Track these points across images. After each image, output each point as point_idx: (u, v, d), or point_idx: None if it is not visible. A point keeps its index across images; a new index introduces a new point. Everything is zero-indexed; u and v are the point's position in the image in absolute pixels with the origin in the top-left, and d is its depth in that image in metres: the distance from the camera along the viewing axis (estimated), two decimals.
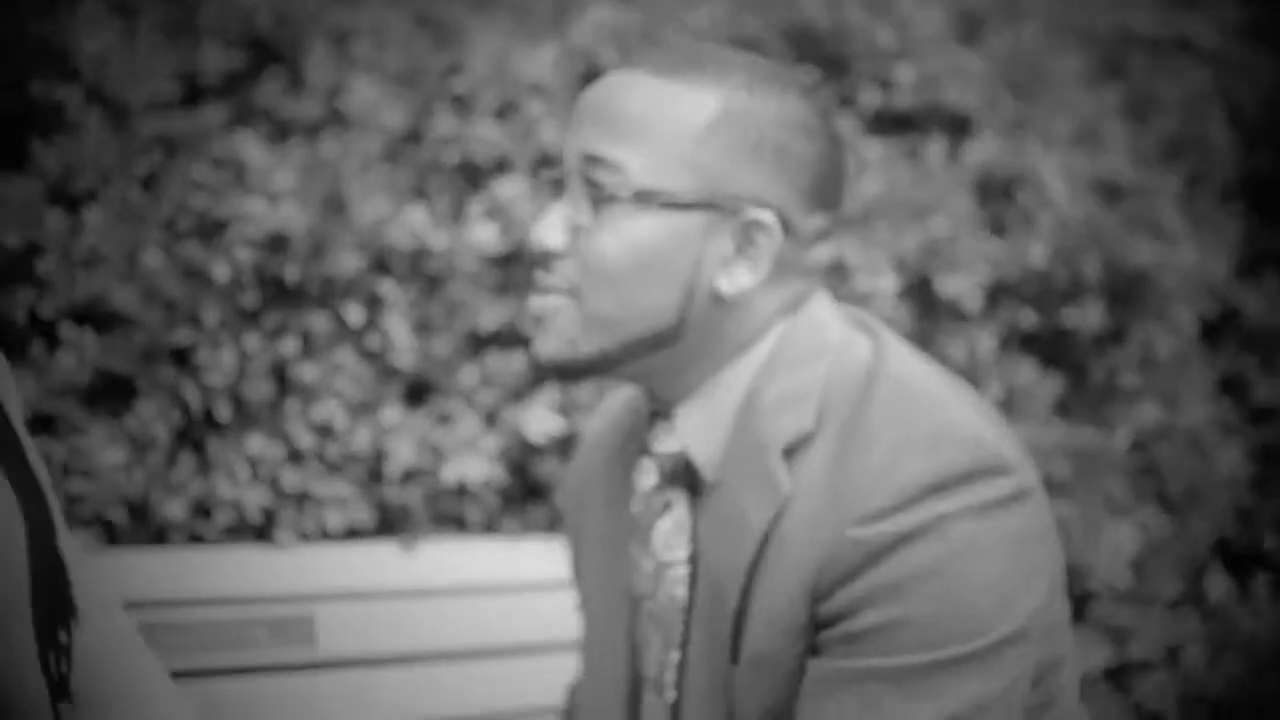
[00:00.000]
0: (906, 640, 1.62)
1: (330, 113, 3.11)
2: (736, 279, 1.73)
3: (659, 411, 1.82)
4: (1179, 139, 4.11)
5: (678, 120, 1.71)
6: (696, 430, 1.77)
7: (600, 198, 1.71)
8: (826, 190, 1.77)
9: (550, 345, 1.76)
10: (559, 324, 1.75)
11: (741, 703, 1.72)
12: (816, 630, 1.67)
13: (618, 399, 1.99)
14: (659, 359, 1.75)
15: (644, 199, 1.70)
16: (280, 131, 3.09)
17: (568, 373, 1.76)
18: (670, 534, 1.80)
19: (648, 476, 1.83)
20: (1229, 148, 4.13)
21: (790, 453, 1.70)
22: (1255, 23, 4.44)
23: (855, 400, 1.70)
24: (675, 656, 1.80)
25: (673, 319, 1.73)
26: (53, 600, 1.60)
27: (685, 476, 1.80)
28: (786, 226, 1.74)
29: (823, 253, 1.82)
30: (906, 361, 1.75)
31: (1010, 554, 1.63)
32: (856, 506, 1.63)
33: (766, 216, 1.72)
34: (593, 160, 1.72)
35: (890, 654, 1.62)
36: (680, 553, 1.80)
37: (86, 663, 1.66)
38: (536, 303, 1.76)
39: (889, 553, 1.62)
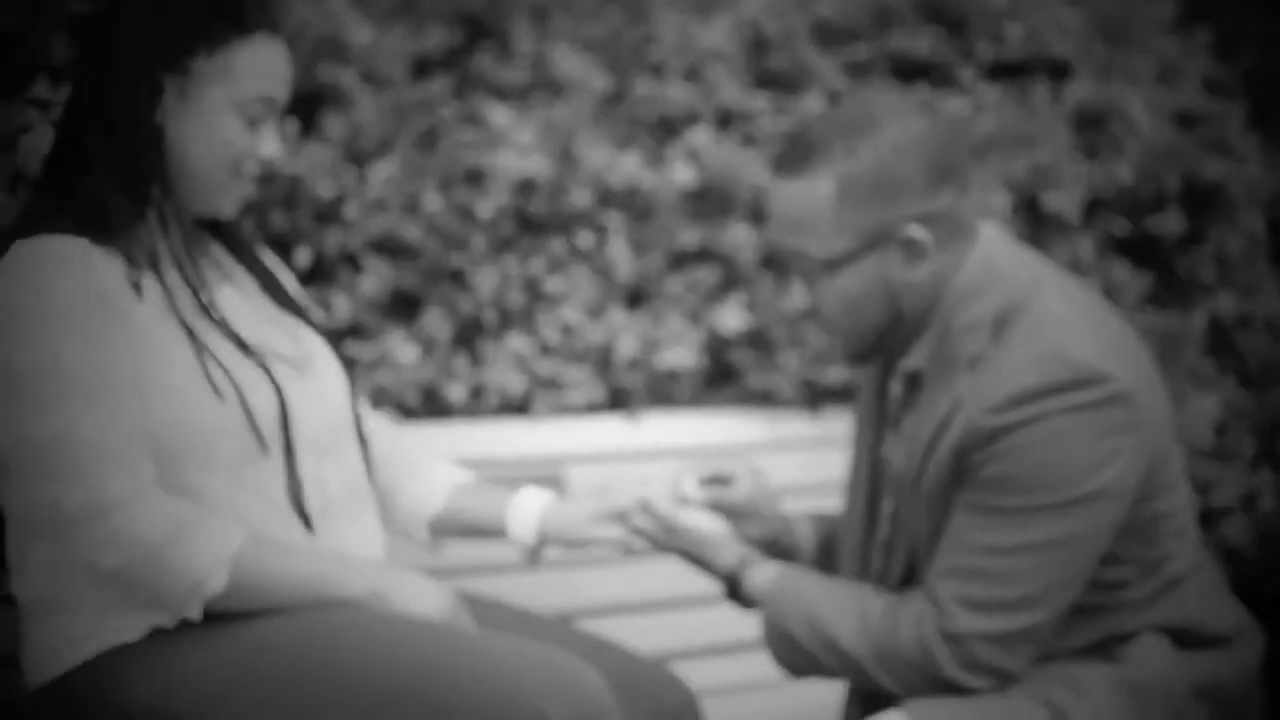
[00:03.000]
0: (1012, 488, 2.32)
1: (539, 78, 3.88)
2: (916, 272, 2.38)
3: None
4: (1252, 71, 4.79)
5: (814, 208, 2.34)
6: (920, 355, 2.44)
7: (804, 271, 2.40)
8: (945, 169, 2.35)
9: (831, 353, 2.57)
10: (826, 344, 2.63)
11: (927, 523, 2.44)
12: (959, 478, 2.39)
13: None
14: (897, 332, 2.43)
15: (827, 266, 2.38)
16: (498, 95, 3.86)
17: (849, 364, 2.52)
18: (910, 416, 2.47)
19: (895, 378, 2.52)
20: None
21: (971, 365, 2.36)
22: None
23: (1010, 325, 2.35)
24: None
25: (888, 316, 2.40)
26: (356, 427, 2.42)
27: (915, 382, 2.47)
28: (928, 218, 2.35)
29: (975, 199, 2.40)
30: (1051, 293, 2.37)
31: (1094, 438, 2.30)
32: (987, 401, 2.32)
33: (913, 229, 2.35)
34: (785, 251, 2.41)
35: (999, 496, 2.33)
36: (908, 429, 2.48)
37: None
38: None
39: (1004, 433, 2.31)
